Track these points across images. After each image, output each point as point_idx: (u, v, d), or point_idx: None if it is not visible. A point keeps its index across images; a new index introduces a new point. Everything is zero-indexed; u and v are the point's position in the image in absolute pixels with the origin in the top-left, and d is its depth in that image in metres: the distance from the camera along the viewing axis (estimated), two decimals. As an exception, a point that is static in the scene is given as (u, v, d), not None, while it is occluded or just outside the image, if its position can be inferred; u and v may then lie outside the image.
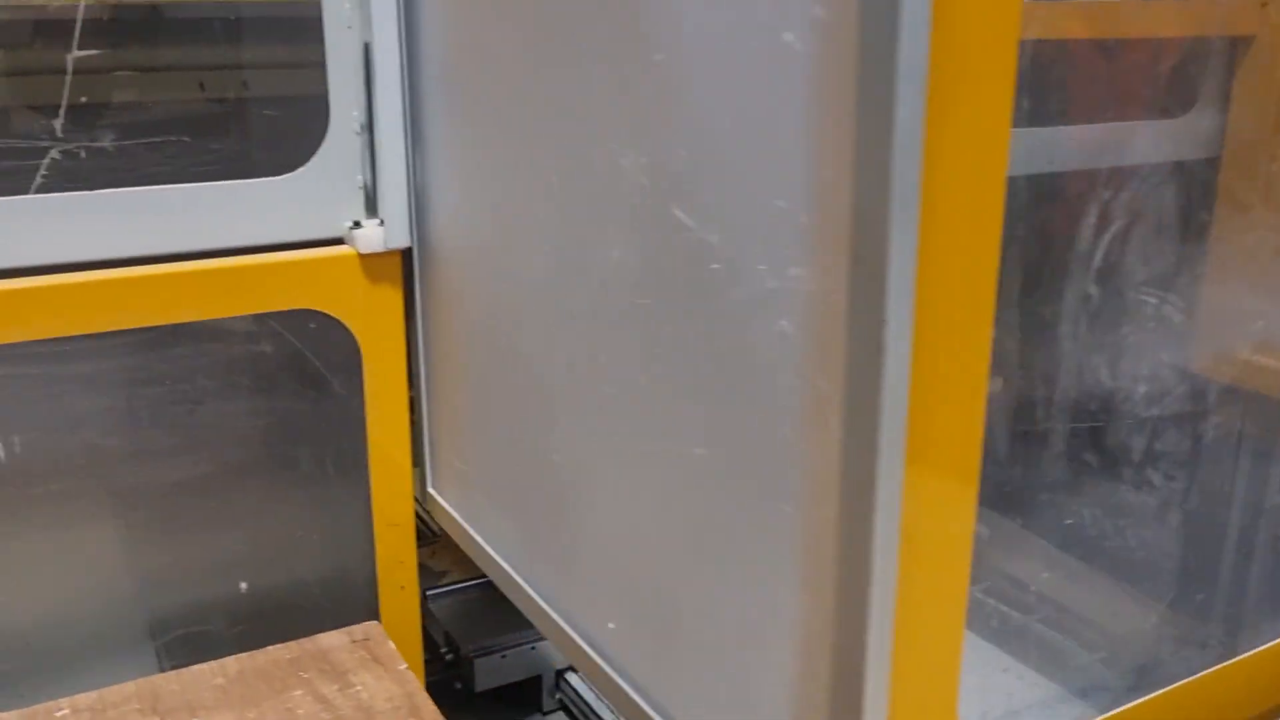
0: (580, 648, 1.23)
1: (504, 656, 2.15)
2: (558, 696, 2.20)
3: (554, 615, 1.29)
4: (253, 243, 1.47)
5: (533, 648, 2.19)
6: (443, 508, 1.59)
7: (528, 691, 2.14)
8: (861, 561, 0.77)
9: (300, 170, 1.48)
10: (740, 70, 0.82)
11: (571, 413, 1.17)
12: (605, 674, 1.18)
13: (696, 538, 0.99)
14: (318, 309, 1.48)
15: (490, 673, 2.08)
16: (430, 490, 1.62)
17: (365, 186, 1.52)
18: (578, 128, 1.05)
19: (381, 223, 1.49)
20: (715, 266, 0.88)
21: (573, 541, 1.21)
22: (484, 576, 2.22)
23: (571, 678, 2.19)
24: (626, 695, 1.14)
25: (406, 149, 1.46)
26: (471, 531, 1.50)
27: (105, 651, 1.50)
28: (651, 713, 1.10)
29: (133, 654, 1.52)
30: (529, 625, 2.23)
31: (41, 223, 1.35)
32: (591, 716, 2.09)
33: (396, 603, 1.65)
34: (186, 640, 1.53)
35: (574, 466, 1.18)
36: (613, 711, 2.10)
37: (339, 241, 1.51)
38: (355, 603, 1.63)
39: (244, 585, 1.56)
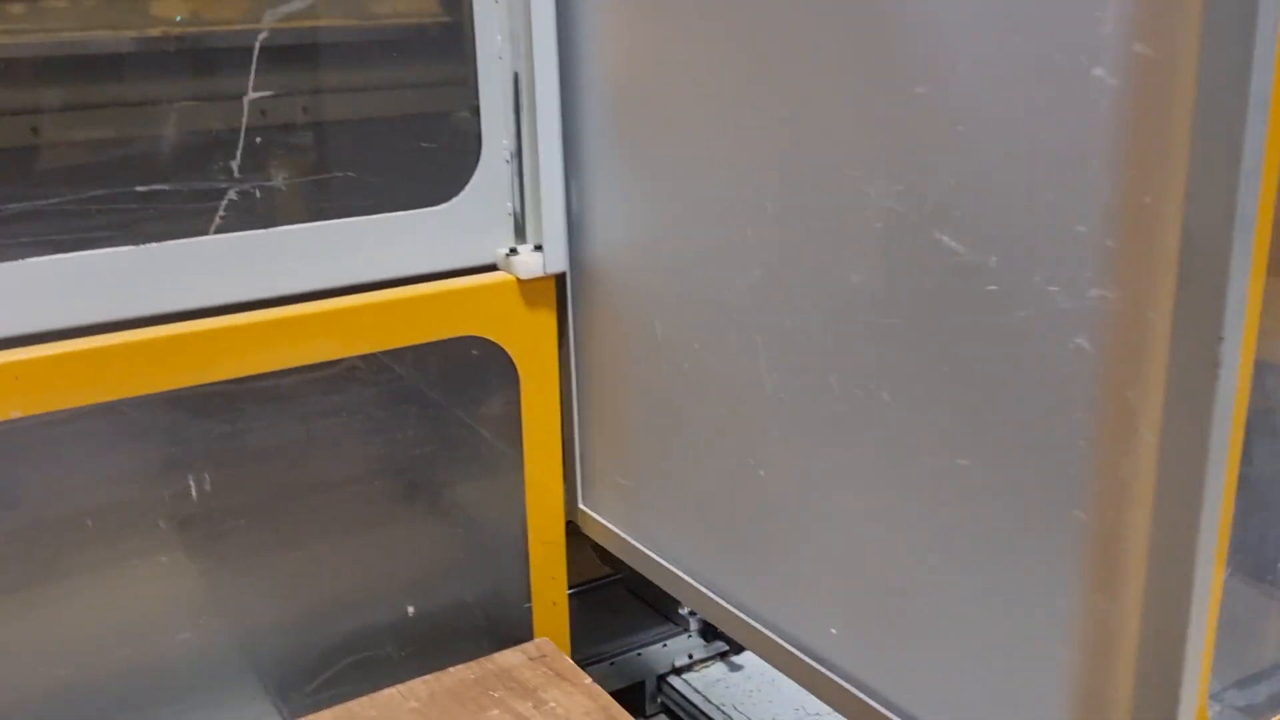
0: (790, 653, 1.27)
1: (612, 664, 2.20)
2: (660, 700, 2.25)
3: (753, 623, 1.33)
4: (413, 273, 1.50)
5: (639, 654, 2.24)
6: (599, 522, 1.62)
7: (630, 697, 2.18)
8: (1183, 562, 0.82)
9: (455, 200, 1.51)
10: (1033, 103, 0.86)
11: (785, 429, 1.21)
12: (825, 677, 1.22)
13: (953, 543, 1.03)
14: (480, 335, 1.51)
15: (598, 680, 2.12)
16: (582, 506, 1.65)
17: (514, 213, 1.56)
18: (808, 155, 1.09)
19: (538, 248, 1.52)
20: (991, 288, 0.93)
21: (785, 552, 1.26)
22: (583, 586, 2.27)
23: (675, 681, 2.23)
24: (853, 696, 1.19)
25: (564, 175, 1.50)
26: (638, 544, 1.54)
27: (280, 679, 1.52)
28: (887, 713, 1.15)
29: (305, 680, 1.54)
30: (633, 632, 2.29)
31: (221, 263, 1.37)
32: (699, 718, 2.15)
33: (549, 618, 1.69)
34: (358, 665, 1.56)
35: (788, 481, 1.22)
36: (722, 713, 2.16)
37: (490, 268, 1.54)
38: (510, 620, 1.67)
39: (410, 609, 1.59)
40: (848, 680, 1.20)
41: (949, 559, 1.04)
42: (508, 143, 1.52)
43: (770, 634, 1.31)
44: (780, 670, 1.31)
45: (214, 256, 1.37)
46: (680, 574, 1.47)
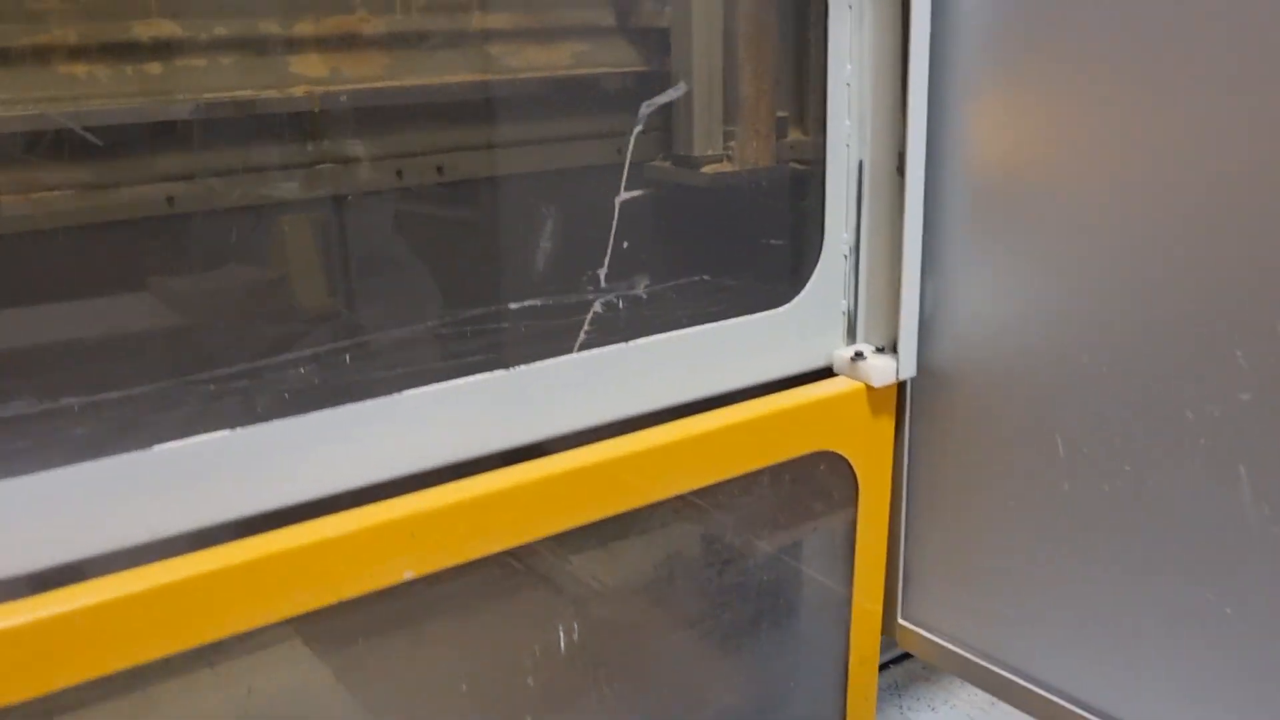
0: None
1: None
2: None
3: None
4: (754, 382, 1.37)
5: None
6: (927, 639, 1.50)
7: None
8: None
9: (796, 299, 1.38)
10: None
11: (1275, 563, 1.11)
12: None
13: None
14: (830, 449, 1.38)
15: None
16: (903, 621, 1.53)
17: (848, 312, 1.43)
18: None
19: (880, 350, 1.40)
20: None
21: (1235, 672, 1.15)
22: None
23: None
24: None
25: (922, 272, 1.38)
26: (988, 665, 1.42)
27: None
28: None
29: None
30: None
31: (582, 384, 1.22)
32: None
33: (861, 740, 1.56)
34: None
35: (1264, 618, 1.12)
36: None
37: (823, 372, 1.42)
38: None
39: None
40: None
41: None
42: (848, 236, 1.40)
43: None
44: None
45: (576, 377, 1.22)
46: (1056, 698, 1.36)
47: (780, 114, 1.50)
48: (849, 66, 1.34)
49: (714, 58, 1.45)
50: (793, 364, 1.40)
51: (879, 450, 1.43)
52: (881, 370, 1.38)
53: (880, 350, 1.41)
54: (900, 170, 1.35)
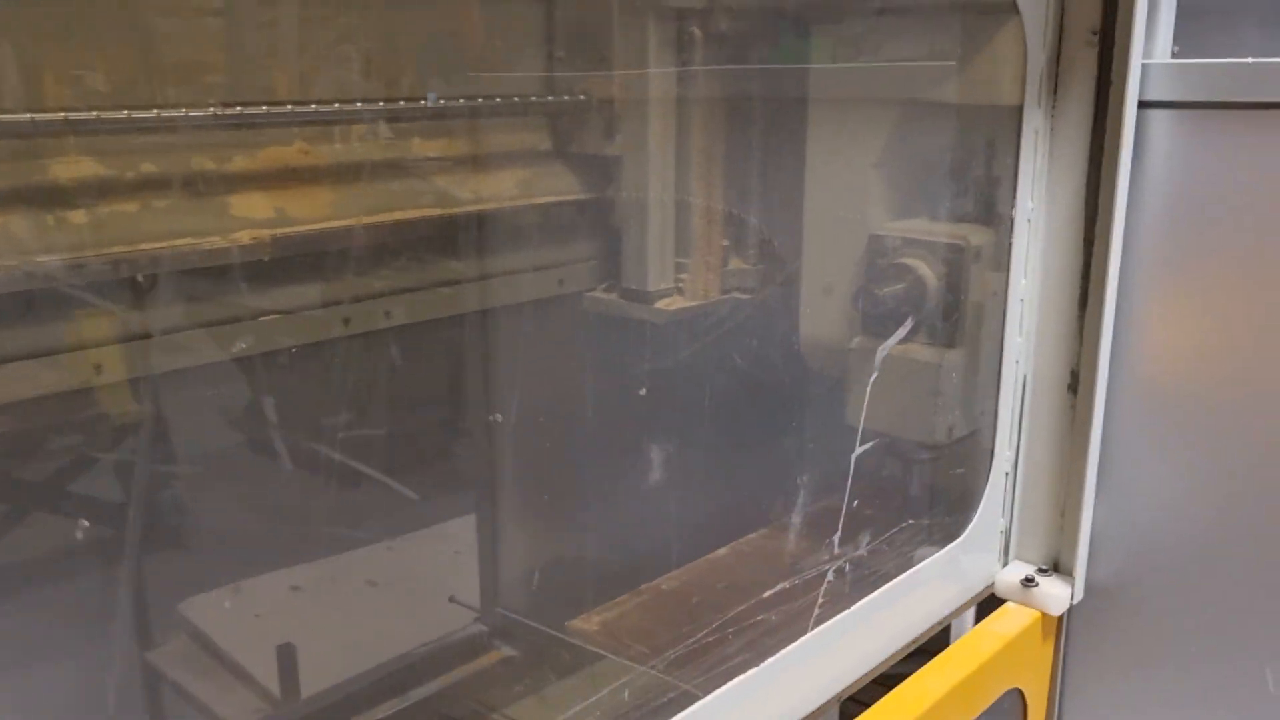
0: None
1: None
2: None
3: None
4: (937, 620, 1.26)
5: None
6: None
7: None
8: None
9: (971, 525, 1.29)
10: None
11: None
12: None
13: None
14: (1014, 686, 1.28)
15: None
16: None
17: (1005, 532, 1.35)
18: None
19: (1049, 572, 1.33)
20: None
21: None
22: None
23: None
24: None
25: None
26: None
27: None
28: None
29: None
30: None
31: (812, 662, 1.07)
32: None
33: None
34: None
35: None
36: None
37: (984, 597, 1.33)
38: None
39: None
40: None
41: None
42: (1009, 453, 1.32)
43: None
44: None
45: (808, 656, 1.07)
46: None
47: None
48: (1023, 282, 1.27)
49: (668, 187, 1.38)
50: (966, 593, 1.30)
51: (1045, 678, 1.34)
52: (1058, 597, 1.30)
53: (1043, 571, 1.33)
54: (1072, 387, 1.28)
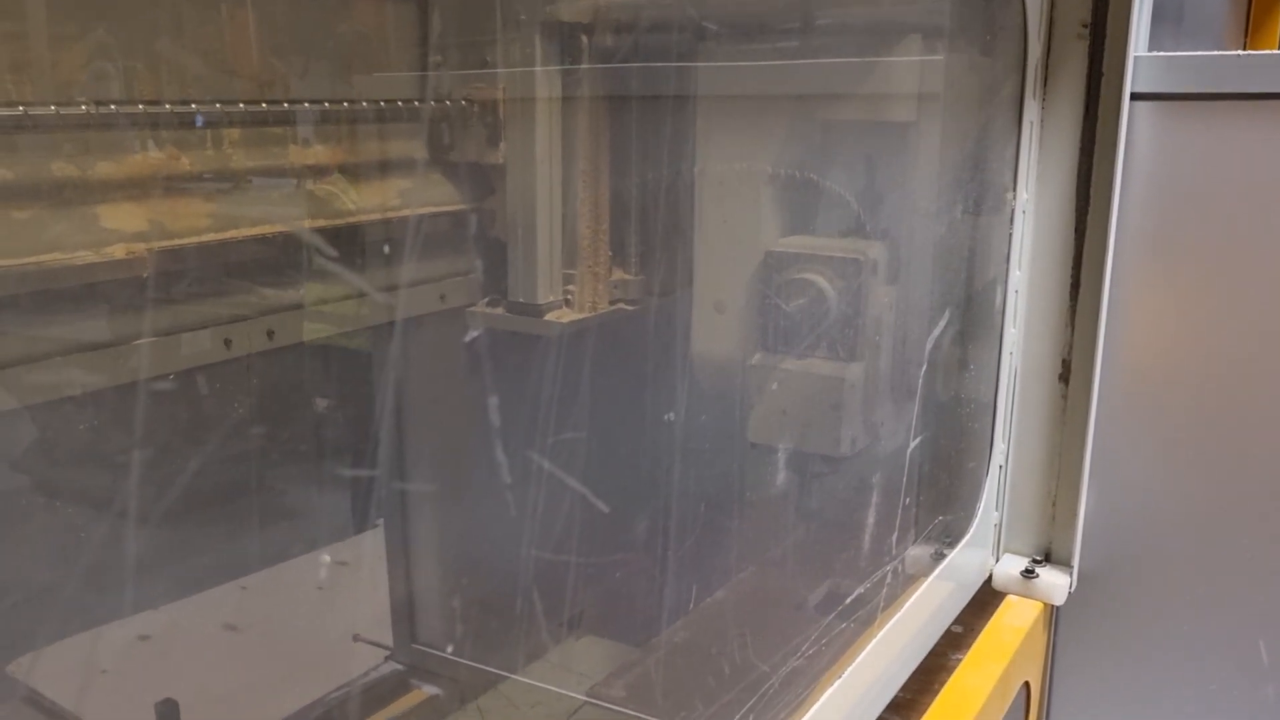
0: None
1: None
2: None
3: None
4: (949, 620, 1.24)
5: None
6: None
7: None
8: None
9: (977, 519, 1.28)
10: None
11: None
12: None
13: None
14: (1026, 679, 1.28)
15: None
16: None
17: (998, 525, 1.35)
18: None
19: (1043, 563, 1.33)
20: None
21: None
22: None
23: None
24: None
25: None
26: None
27: None
28: None
29: None
30: None
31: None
32: None
33: None
34: None
35: None
36: None
37: (982, 590, 1.32)
38: None
39: None
40: None
41: None
42: (1004, 447, 1.32)
43: None
44: None
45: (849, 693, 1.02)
46: None
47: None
48: (1018, 273, 1.27)
49: (555, 196, 1.33)
50: (967, 590, 1.29)
51: (1042, 668, 1.35)
52: (1059, 587, 1.30)
53: (1038, 562, 1.34)
54: (1064, 377, 1.29)
